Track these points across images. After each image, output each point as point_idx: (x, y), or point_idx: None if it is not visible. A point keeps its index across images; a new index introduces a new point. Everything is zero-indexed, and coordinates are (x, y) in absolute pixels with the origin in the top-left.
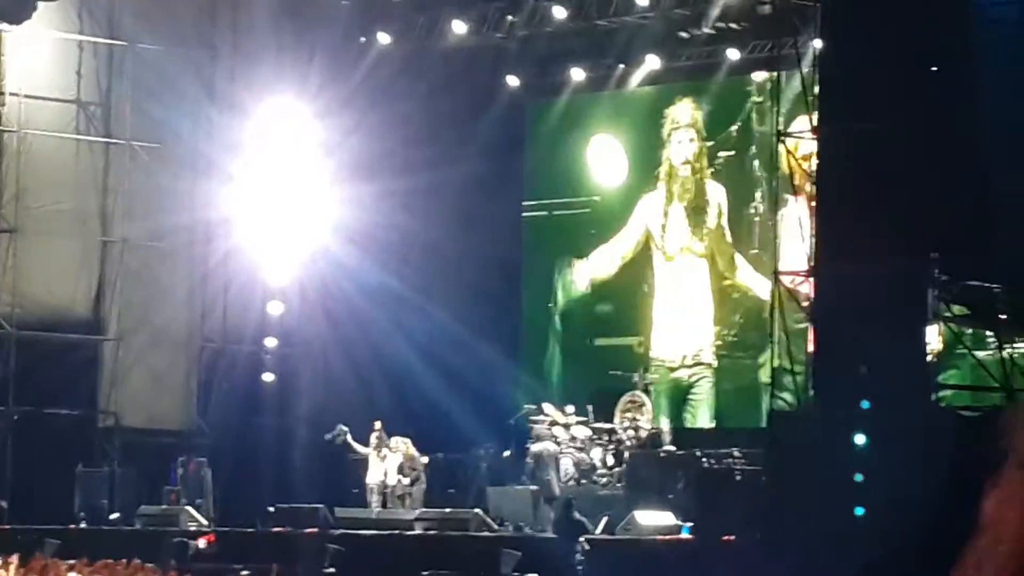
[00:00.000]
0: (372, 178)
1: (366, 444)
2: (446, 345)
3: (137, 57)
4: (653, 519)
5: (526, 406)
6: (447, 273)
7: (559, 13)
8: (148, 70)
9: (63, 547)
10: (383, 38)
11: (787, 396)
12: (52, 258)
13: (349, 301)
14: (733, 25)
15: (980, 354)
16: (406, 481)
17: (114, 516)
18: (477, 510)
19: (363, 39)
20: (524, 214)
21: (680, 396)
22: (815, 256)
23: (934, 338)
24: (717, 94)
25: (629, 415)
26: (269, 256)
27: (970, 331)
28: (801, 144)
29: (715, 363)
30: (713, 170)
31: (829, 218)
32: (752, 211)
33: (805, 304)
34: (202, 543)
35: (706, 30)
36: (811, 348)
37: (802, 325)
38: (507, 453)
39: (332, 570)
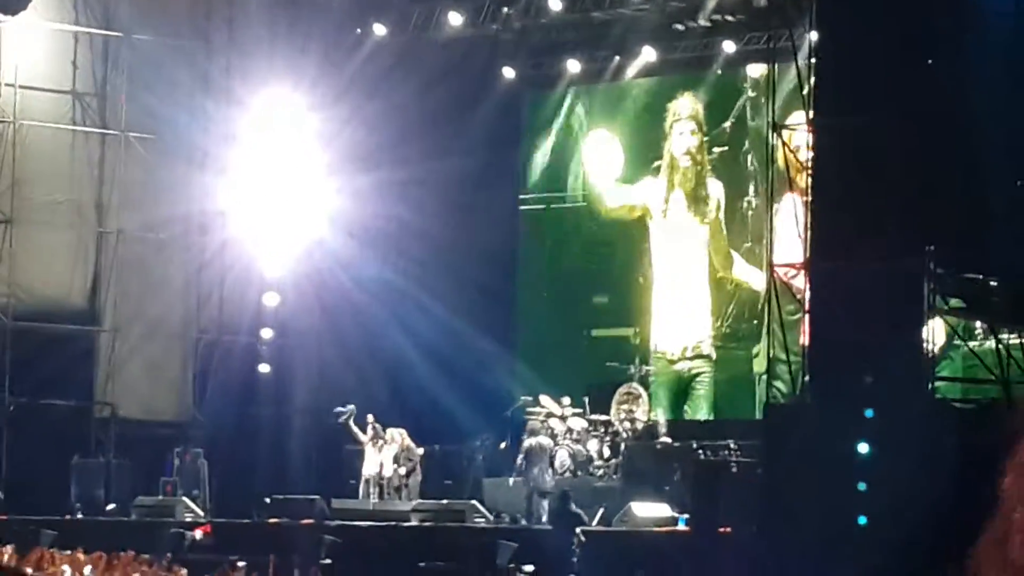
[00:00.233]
0: (368, 169)
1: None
2: (442, 336)
3: (132, 48)
4: (649, 511)
5: (522, 398)
6: (443, 264)
7: (555, 5)
8: (143, 61)
9: (59, 538)
10: (379, 29)
11: (781, 387)
12: (48, 249)
13: (345, 292)
14: (729, 17)
15: (971, 345)
16: (402, 471)
17: (110, 507)
18: (473, 502)
19: (358, 30)
20: (521, 207)
21: (680, 388)
22: (809, 248)
23: (939, 331)
24: (712, 89)
25: (625, 407)
26: (265, 247)
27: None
28: (794, 137)
29: (714, 355)
30: (711, 164)
31: (824, 211)
32: (745, 205)
33: (799, 296)
34: (198, 534)
35: (702, 22)
36: (804, 340)
37: (796, 317)
38: (503, 445)
39: (328, 561)
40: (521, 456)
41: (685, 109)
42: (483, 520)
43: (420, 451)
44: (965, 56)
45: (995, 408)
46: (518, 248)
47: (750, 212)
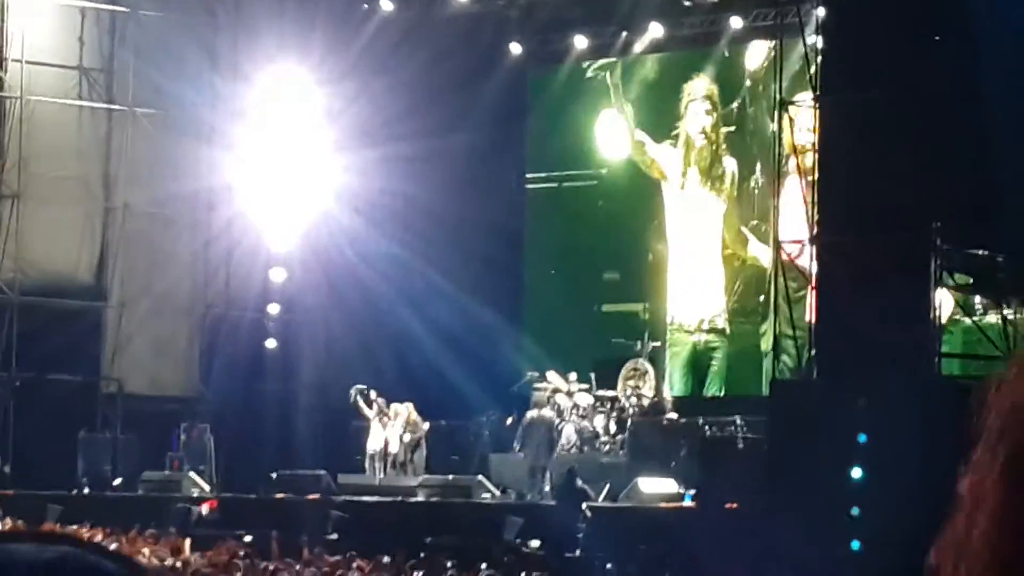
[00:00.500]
0: (374, 145)
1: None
2: (449, 312)
3: (139, 23)
4: (656, 487)
5: (529, 373)
6: (450, 239)
7: None
8: (150, 37)
9: (66, 513)
10: (385, 5)
11: (787, 361)
12: (55, 224)
13: (352, 268)
14: None
15: (972, 320)
16: (407, 439)
17: (117, 482)
18: (480, 477)
19: (365, 6)
20: (530, 186)
21: (696, 361)
22: (817, 224)
23: (947, 306)
24: (720, 69)
25: (632, 383)
26: (272, 223)
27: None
28: (797, 118)
29: (728, 330)
30: (724, 143)
31: (830, 187)
32: (753, 183)
33: (805, 274)
34: (204, 509)
35: None
36: (809, 317)
37: (802, 293)
38: (510, 420)
39: (335, 536)
40: (521, 428)
41: (700, 89)
42: (489, 496)
43: (426, 426)
44: (973, 32)
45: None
46: (525, 224)
47: (756, 190)
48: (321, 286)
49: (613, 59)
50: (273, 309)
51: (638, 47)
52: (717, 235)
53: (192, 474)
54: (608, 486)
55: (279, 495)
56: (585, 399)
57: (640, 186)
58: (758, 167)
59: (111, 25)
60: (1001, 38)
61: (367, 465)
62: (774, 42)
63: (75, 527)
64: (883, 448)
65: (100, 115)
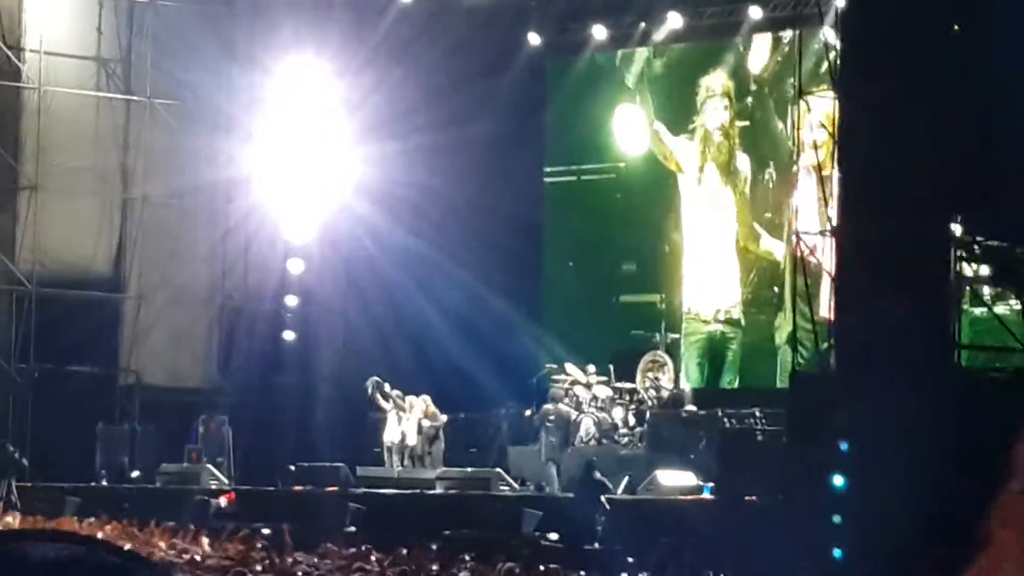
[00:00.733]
0: (393, 136)
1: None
2: (467, 303)
3: (157, 14)
4: (675, 479)
5: (547, 365)
6: (468, 231)
7: None
8: (168, 27)
9: (84, 505)
10: None
11: (803, 353)
12: (73, 215)
13: (370, 259)
14: None
15: (978, 311)
16: (425, 431)
17: (135, 474)
18: (498, 470)
19: None
20: (549, 179)
21: (712, 351)
22: (836, 216)
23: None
24: (735, 65)
25: (651, 375)
26: (290, 214)
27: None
28: (810, 114)
29: (743, 321)
30: (739, 138)
31: (850, 178)
32: (767, 177)
33: (818, 269)
34: (223, 501)
35: None
36: (823, 312)
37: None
38: (528, 413)
39: (353, 529)
40: (537, 420)
41: (718, 85)
42: (508, 488)
43: (444, 418)
44: (992, 23)
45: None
46: (544, 216)
47: (771, 184)
48: (339, 278)
49: (631, 49)
50: (291, 301)
51: (657, 37)
52: (732, 228)
53: (210, 466)
54: (627, 478)
55: (297, 487)
56: (604, 391)
57: (657, 178)
58: (771, 163)
59: (129, 15)
60: (1021, 29)
61: (385, 457)
62: (782, 35)
63: (93, 519)
64: (902, 441)
65: (118, 106)
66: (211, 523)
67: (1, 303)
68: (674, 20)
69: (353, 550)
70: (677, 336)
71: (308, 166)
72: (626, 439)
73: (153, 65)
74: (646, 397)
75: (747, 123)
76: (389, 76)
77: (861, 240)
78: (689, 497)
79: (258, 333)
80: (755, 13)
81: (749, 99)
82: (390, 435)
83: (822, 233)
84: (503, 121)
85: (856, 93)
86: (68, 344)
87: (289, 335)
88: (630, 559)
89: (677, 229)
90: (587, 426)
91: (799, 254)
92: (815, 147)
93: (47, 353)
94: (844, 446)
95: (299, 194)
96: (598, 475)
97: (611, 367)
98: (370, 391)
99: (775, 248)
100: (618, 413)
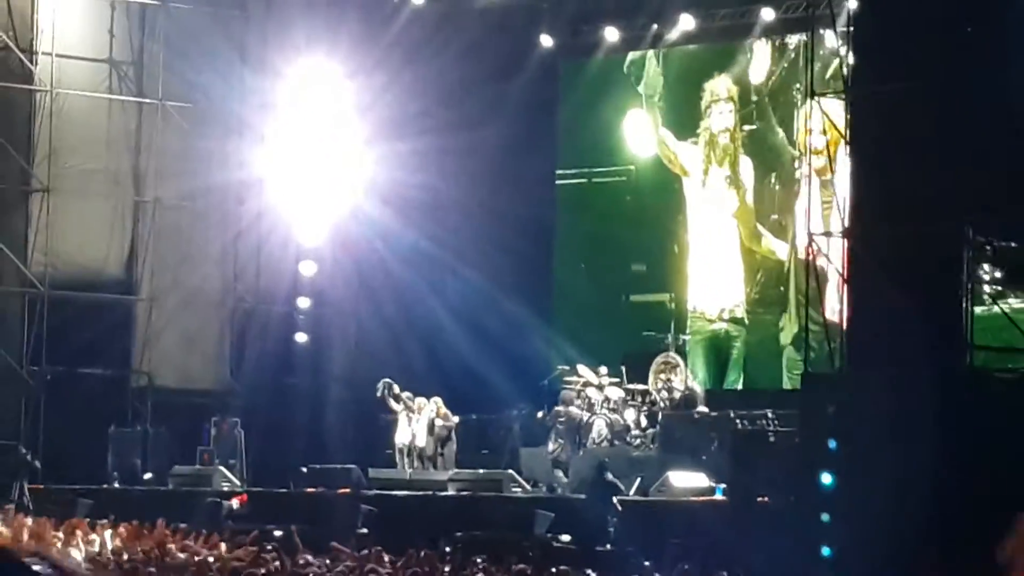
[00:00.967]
0: (404, 138)
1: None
2: (479, 305)
3: (169, 16)
4: (687, 480)
5: (559, 367)
6: (480, 233)
7: None
8: (180, 29)
9: (96, 507)
10: None
11: (812, 356)
12: (85, 218)
13: (382, 261)
14: None
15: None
16: (436, 433)
17: (147, 476)
18: (510, 471)
19: None
20: (560, 182)
21: (717, 350)
22: (848, 218)
23: None
24: (741, 70)
25: (663, 376)
26: (302, 216)
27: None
28: (811, 121)
29: (747, 320)
30: (743, 141)
31: (862, 179)
32: (773, 179)
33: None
34: (235, 503)
35: None
36: (828, 313)
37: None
38: (540, 414)
39: (365, 531)
40: (549, 421)
41: (722, 90)
42: (520, 490)
43: (455, 420)
44: (1005, 23)
45: None
46: (555, 217)
47: (778, 186)
48: (351, 280)
49: (640, 56)
50: (303, 303)
51: (669, 39)
52: (734, 230)
53: (222, 468)
54: (639, 480)
55: (309, 489)
56: (616, 392)
57: (667, 181)
58: (775, 166)
59: (141, 18)
60: None
61: (397, 459)
62: (788, 41)
63: (104, 521)
64: (911, 440)
65: (130, 108)
66: (223, 525)
67: (13, 305)
68: (686, 22)
69: (364, 552)
70: (689, 338)
71: (320, 168)
72: (638, 440)
73: (165, 68)
74: (658, 399)
75: (753, 127)
76: (401, 78)
77: (873, 242)
78: (701, 498)
79: (270, 335)
80: (767, 15)
81: (754, 104)
82: (401, 437)
83: (826, 234)
84: (515, 123)
85: (868, 94)
86: (80, 346)
87: (301, 337)
88: (646, 563)
89: (686, 230)
90: (599, 427)
91: (808, 255)
92: (816, 153)
93: (59, 355)
94: (832, 444)
95: (311, 196)
96: (610, 476)
97: (623, 368)
98: (381, 391)
99: (779, 249)
100: (630, 415)
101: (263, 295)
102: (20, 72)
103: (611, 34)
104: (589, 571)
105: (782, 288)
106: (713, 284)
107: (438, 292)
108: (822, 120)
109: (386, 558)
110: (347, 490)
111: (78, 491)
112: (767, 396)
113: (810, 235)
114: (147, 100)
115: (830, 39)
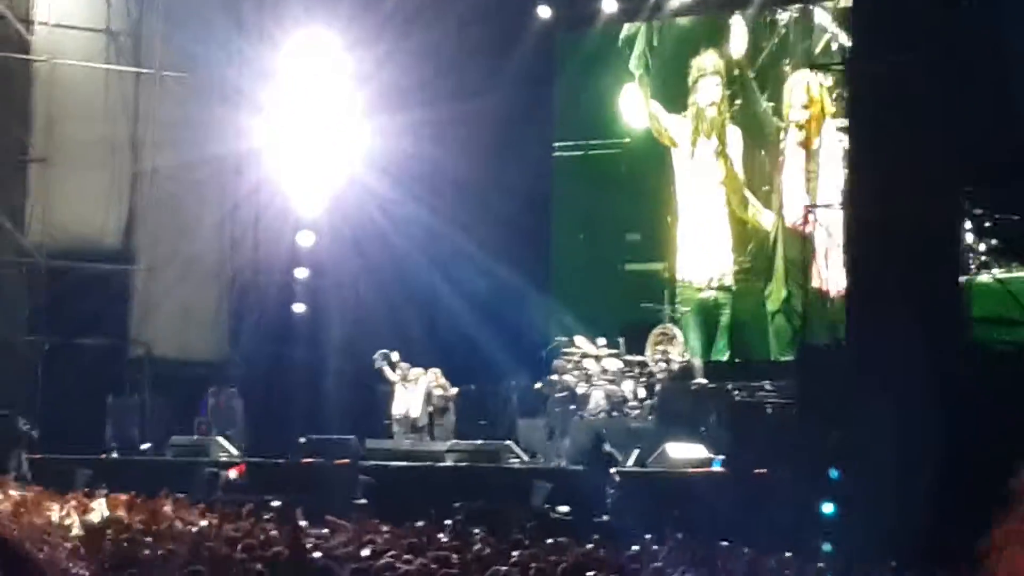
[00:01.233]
0: (403, 109)
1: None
2: (477, 276)
3: None
4: (685, 452)
5: (557, 338)
6: (477, 204)
7: None
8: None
9: (94, 477)
10: None
11: (796, 323)
12: (82, 188)
13: (380, 232)
14: None
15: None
16: (434, 403)
17: (145, 446)
18: (508, 442)
19: None
20: (557, 154)
21: (707, 318)
22: (846, 189)
23: None
24: (728, 45)
25: (661, 347)
26: (300, 187)
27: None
28: (792, 94)
29: (735, 287)
30: (730, 114)
31: (861, 152)
32: (763, 152)
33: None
34: (232, 473)
35: None
36: (815, 282)
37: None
38: (538, 385)
39: (363, 501)
40: (544, 390)
41: (709, 65)
42: (518, 460)
43: (454, 390)
44: None
45: None
46: (553, 188)
47: (764, 157)
48: (349, 250)
49: (634, 31)
50: (301, 273)
51: (667, 10)
52: (722, 200)
53: (220, 439)
54: (637, 451)
55: (307, 460)
56: (614, 364)
57: (661, 152)
58: (762, 138)
59: None
60: None
61: (395, 430)
62: (780, 17)
63: (103, 491)
64: (916, 416)
65: (127, 78)
66: (221, 495)
67: (11, 276)
68: None
69: (362, 522)
70: (687, 310)
71: (318, 139)
72: (636, 412)
73: (163, 38)
74: (656, 370)
75: (740, 100)
76: (399, 49)
77: (871, 214)
78: (699, 470)
79: (268, 306)
80: None
81: (741, 78)
82: (398, 407)
83: (812, 207)
84: (513, 94)
85: (866, 67)
86: (78, 316)
87: (299, 308)
88: (647, 536)
89: (676, 198)
90: (597, 399)
91: (796, 226)
92: (799, 126)
93: (57, 325)
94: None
95: (309, 167)
96: (607, 447)
97: (621, 340)
98: (378, 362)
99: (765, 219)
100: (628, 386)
101: (261, 265)
102: (17, 42)
103: (608, 5)
104: (589, 544)
105: (769, 257)
106: (701, 253)
107: (436, 263)
108: (806, 93)
109: (384, 528)
110: (345, 461)
111: (77, 461)
112: (763, 367)
113: (806, 207)
114: (144, 70)
115: (819, 15)
